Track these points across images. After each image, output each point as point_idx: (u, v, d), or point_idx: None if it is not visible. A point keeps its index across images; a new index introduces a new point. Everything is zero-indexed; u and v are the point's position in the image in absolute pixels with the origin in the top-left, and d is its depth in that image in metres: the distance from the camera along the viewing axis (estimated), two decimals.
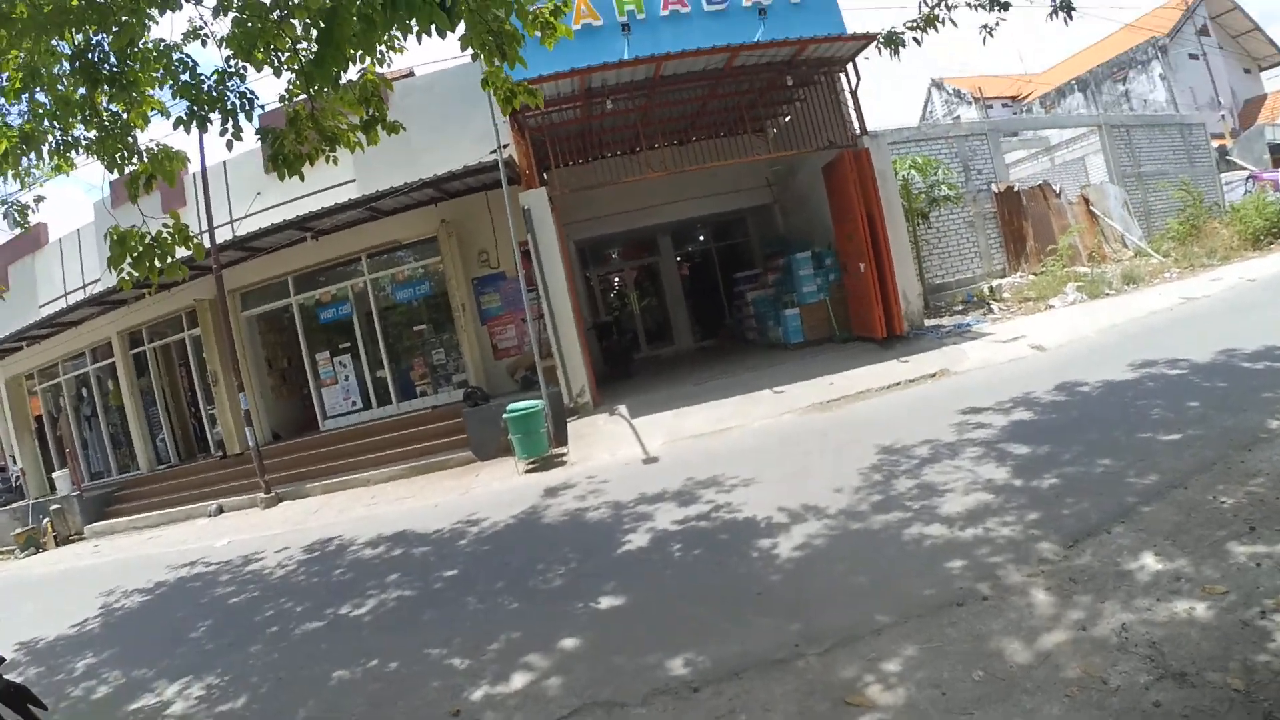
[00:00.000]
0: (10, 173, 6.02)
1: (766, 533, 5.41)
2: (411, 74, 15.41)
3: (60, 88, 5.51)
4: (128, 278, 5.54)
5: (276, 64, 5.38)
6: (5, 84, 5.48)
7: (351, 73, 4.80)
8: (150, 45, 5.57)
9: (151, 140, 5.94)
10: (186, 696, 4.78)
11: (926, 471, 6.00)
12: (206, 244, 11.98)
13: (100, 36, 5.32)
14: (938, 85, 39.94)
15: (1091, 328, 11.58)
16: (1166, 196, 20.48)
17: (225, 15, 5.30)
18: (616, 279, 22.82)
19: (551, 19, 5.51)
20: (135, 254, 5.45)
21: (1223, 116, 29.68)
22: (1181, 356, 8.19)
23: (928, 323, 14.21)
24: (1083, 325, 11.87)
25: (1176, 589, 3.47)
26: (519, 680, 3.98)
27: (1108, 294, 14.56)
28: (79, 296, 16.23)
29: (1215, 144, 24.85)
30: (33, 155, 5.91)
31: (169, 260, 5.63)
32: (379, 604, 5.80)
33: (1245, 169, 24.57)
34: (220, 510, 12.65)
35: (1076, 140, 23.46)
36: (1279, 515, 4.00)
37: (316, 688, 4.47)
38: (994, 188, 18.42)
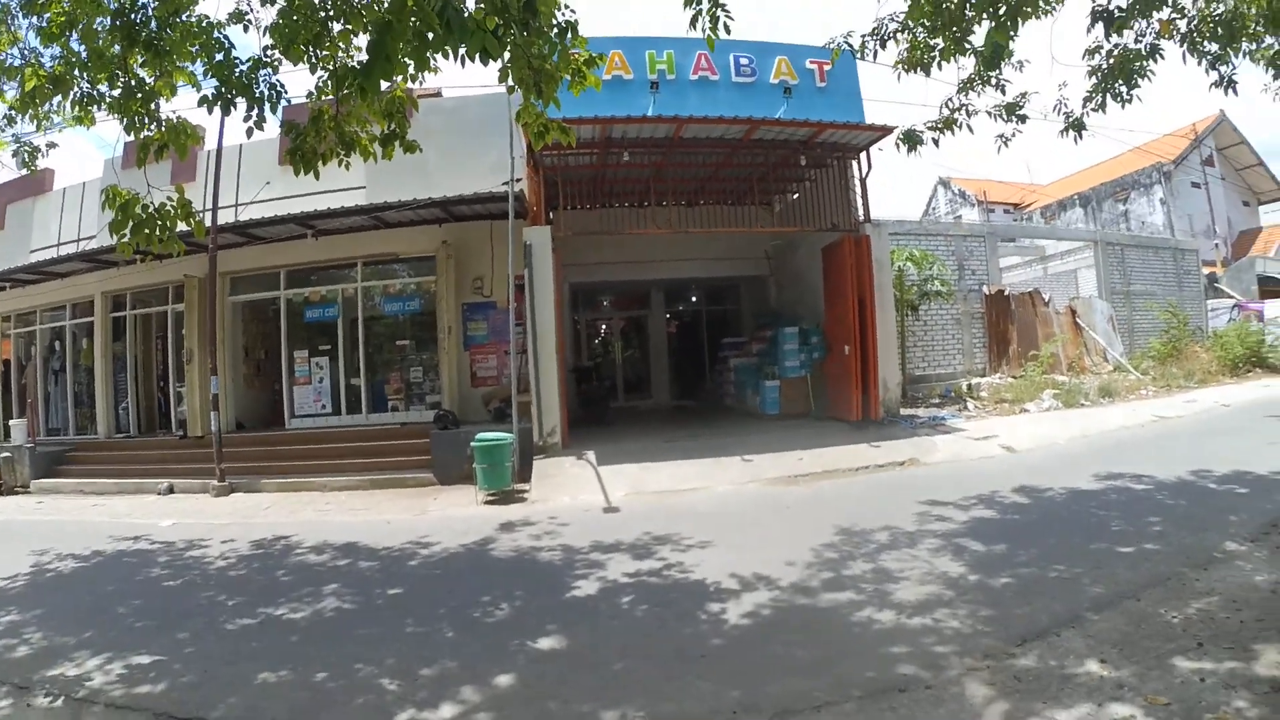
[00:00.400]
0: (30, 113, 6.04)
1: (717, 597, 5.38)
2: (439, 94, 15.60)
3: (98, 41, 5.56)
4: (128, 243, 5.54)
5: (314, 61, 5.46)
6: (46, 25, 5.52)
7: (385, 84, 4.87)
8: (193, 20, 5.63)
9: (173, 111, 6.00)
10: (107, 672, 4.64)
11: (883, 557, 6.03)
12: (208, 222, 12.02)
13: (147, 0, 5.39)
14: (944, 183, 40.83)
15: (1063, 435, 11.76)
16: (1152, 316, 21.06)
17: (272, 4, 5.39)
18: (604, 326, 22.95)
19: (584, 68, 5.63)
20: (137, 220, 5.46)
21: (1216, 245, 30.50)
22: (1148, 472, 8.40)
23: (903, 411, 14.33)
24: (1055, 432, 12.05)
25: (1119, 696, 3.50)
26: (448, 711, 3.89)
27: (1083, 404, 14.79)
28: (71, 249, 16.11)
29: (1206, 271, 25.58)
30: (57, 100, 5.93)
31: (168, 233, 5.64)
32: (316, 612, 5.69)
33: (1232, 297, 25.18)
34: (171, 490, 12.39)
35: (1071, 253, 24.05)
36: (1228, 634, 4.07)
37: (240, 686, 4.35)
38: (985, 289, 18.79)
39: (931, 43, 7.28)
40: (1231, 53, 7.31)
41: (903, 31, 7.39)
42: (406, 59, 4.34)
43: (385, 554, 7.38)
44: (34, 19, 5.70)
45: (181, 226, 5.86)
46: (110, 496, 12.53)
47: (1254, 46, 7.63)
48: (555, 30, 5.10)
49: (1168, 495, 7.53)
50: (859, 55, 7.67)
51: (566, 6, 5.19)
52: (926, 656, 4.12)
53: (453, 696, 4.04)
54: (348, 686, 4.28)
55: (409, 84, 5.68)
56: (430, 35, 3.96)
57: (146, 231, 5.55)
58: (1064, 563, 5.56)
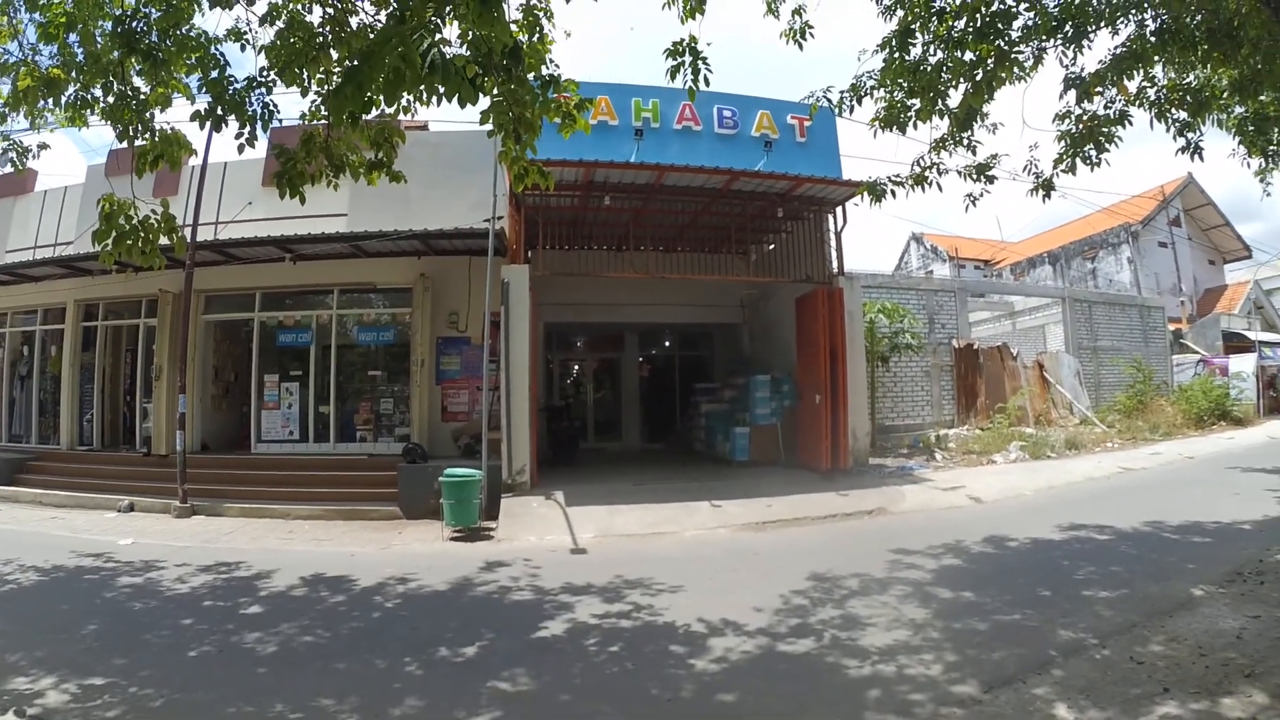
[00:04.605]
0: (23, 110, 6.02)
1: (685, 641, 5.38)
2: (425, 127, 15.70)
3: (96, 45, 5.57)
4: (110, 253, 5.52)
5: (306, 84, 5.51)
6: (46, 23, 5.54)
7: (375, 112, 4.91)
8: (193, 34, 5.67)
9: (167, 122, 6.02)
10: (63, 691, 4.54)
11: (852, 603, 6.08)
12: (187, 238, 11.94)
13: (150, 9, 5.43)
14: (917, 239, 41.54)
15: (1030, 486, 11.95)
16: (1118, 371, 21.56)
17: (271, 25, 5.45)
18: (577, 366, 22.92)
19: (574, 112, 5.73)
20: (120, 231, 5.44)
21: (1182, 302, 31.17)
22: (1113, 523, 8.60)
23: (872, 461, 14.46)
24: (1021, 483, 12.23)
25: None
26: None
27: (1049, 456, 15.02)
28: (48, 253, 15.88)
29: (1172, 327, 26.14)
30: (50, 101, 5.92)
31: (150, 246, 5.63)
32: (279, 643, 5.58)
33: (1197, 353, 25.80)
34: (131, 508, 12.10)
35: (1040, 309, 24.54)
36: (1194, 679, 4.17)
37: (198, 715, 4.26)
38: (955, 343, 19.10)
39: (908, 103, 7.51)
40: (1199, 121, 7.61)
41: (879, 89, 7.62)
42: (379, 93, 4.36)
43: (350, 588, 7.26)
44: (35, 15, 5.71)
45: (164, 240, 5.84)
46: (70, 510, 12.23)
47: (1224, 115, 7.97)
48: (539, 82, 5.21)
49: (1133, 545, 7.72)
50: (837, 110, 7.89)
51: (551, 61, 5.31)
52: (895, 703, 4.15)
53: None
54: None
55: (400, 115, 5.75)
56: (408, 73, 4.01)
57: (129, 243, 5.53)
58: (1031, 610, 5.66)
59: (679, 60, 6.17)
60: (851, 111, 7.87)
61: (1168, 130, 7.73)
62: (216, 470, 13.35)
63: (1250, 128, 8.29)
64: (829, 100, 7.89)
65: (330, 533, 10.40)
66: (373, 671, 4.97)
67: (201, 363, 15.06)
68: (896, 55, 7.27)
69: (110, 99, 5.79)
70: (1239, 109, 8.14)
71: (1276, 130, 8.37)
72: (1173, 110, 7.66)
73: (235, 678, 4.87)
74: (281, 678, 4.86)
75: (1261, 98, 7.85)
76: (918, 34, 7.17)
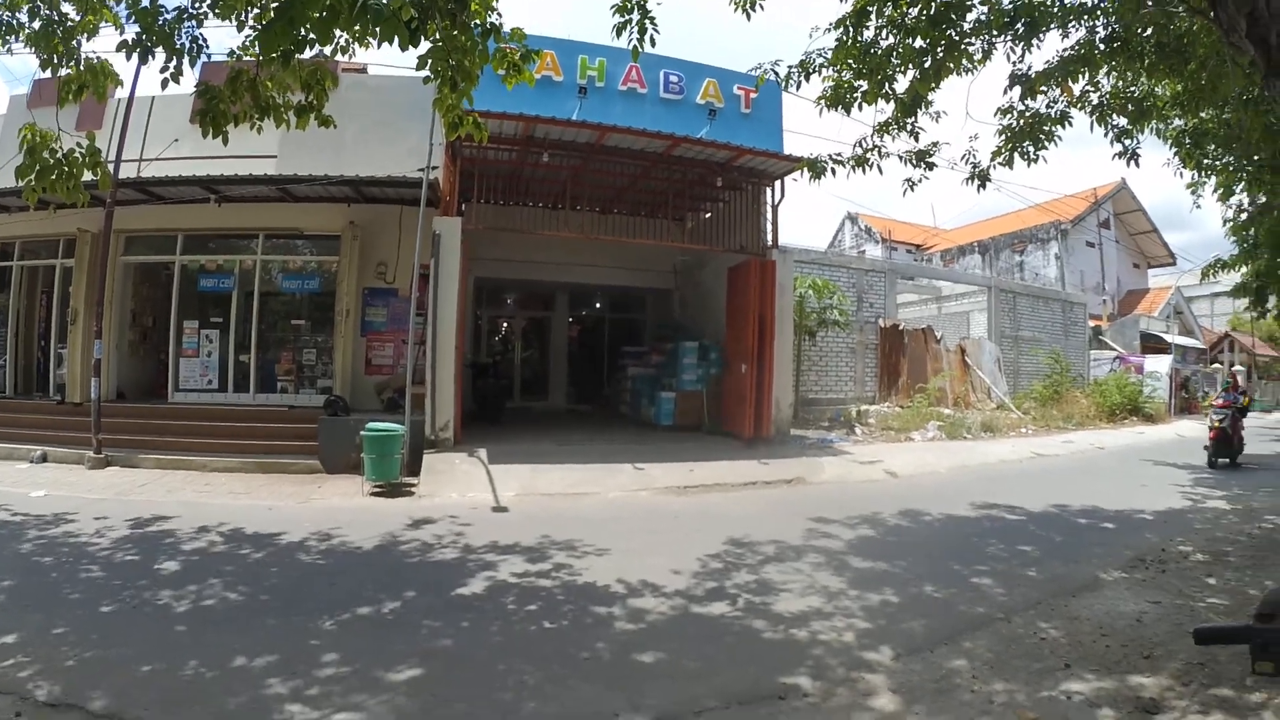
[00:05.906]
0: None
1: (604, 601, 5.44)
2: (364, 70, 15.21)
3: None
4: (33, 188, 5.24)
5: (243, 19, 5.28)
6: None
7: (312, 52, 4.73)
8: None
9: (92, 52, 5.73)
10: None
11: (768, 569, 6.23)
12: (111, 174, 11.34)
13: None
14: (852, 219, 42.18)
15: (945, 464, 12.39)
16: (1037, 361, 22.46)
17: None
18: (506, 324, 22.73)
19: (519, 63, 5.62)
20: (44, 165, 5.17)
21: (1104, 301, 32.57)
22: (1024, 504, 8.96)
23: (794, 432, 14.78)
24: (937, 461, 12.69)
25: (988, 710, 3.73)
26: (328, 706, 3.79)
27: (965, 437, 15.56)
28: None
29: (1092, 324, 27.35)
30: None
31: (74, 181, 5.37)
32: (197, 600, 5.42)
33: (1115, 350, 27.01)
34: (44, 458, 11.58)
35: (966, 295, 25.27)
36: (1094, 657, 4.39)
37: (113, 674, 4.11)
38: (881, 322, 19.58)
39: (856, 84, 7.58)
40: (1139, 129, 7.87)
41: (828, 67, 7.67)
42: (310, 30, 4.19)
43: (270, 542, 7.11)
44: None
45: (88, 176, 5.57)
46: None
47: (1163, 126, 8.26)
48: (480, 30, 5.08)
49: (1042, 526, 8.07)
50: (784, 85, 7.92)
51: (494, 10, 5.19)
52: (806, 666, 4.28)
53: (330, 694, 3.94)
54: (226, 678, 4.11)
55: (338, 56, 5.55)
56: (341, 11, 3.86)
57: (53, 178, 5.26)
58: (941, 583, 5.88)
59: (626, 18, 6.09)
60: (799, 87, 7.94)
61: (1106, 135, 7.99)
62: (133, 420, 12.81)
63: (1188, 140, 8.62)
64: (776, 74, 7.91)
65: (249, 485, 10.18)
66: (291, 629, 4.89)
67: (119, 306, 14.39)
68: (850, 35, 7.32)
69: (36, 24, 5.48)
70: (1178, 121, 8.44)
71: (1213, 145, 8.74)
72: (1113, 116, 7.92)
73: (151, 635, 4.73)
74: (198, 635, 4.75)
75: (1202, 114, 8.16)
76: (872, 16, 7.22)
